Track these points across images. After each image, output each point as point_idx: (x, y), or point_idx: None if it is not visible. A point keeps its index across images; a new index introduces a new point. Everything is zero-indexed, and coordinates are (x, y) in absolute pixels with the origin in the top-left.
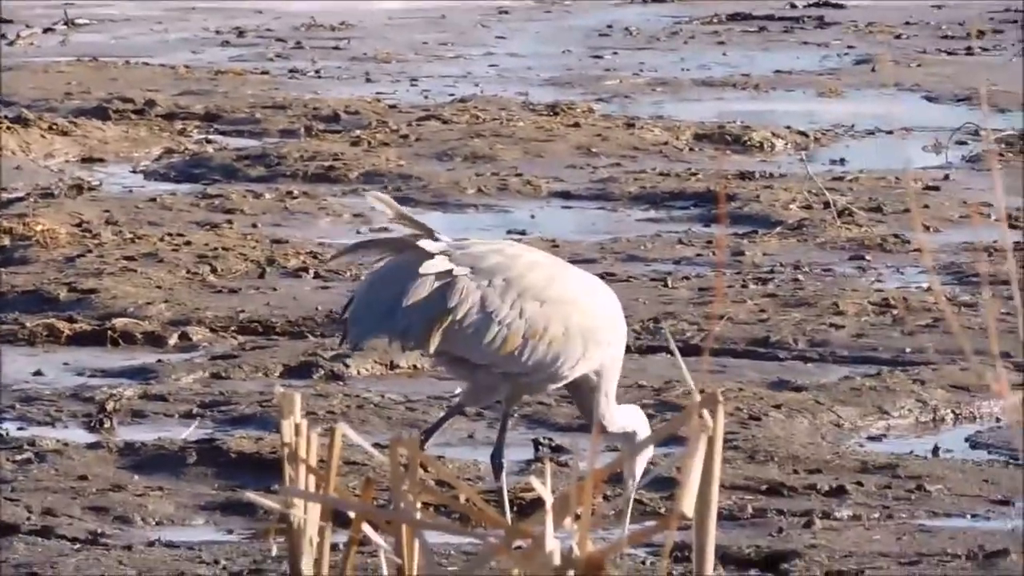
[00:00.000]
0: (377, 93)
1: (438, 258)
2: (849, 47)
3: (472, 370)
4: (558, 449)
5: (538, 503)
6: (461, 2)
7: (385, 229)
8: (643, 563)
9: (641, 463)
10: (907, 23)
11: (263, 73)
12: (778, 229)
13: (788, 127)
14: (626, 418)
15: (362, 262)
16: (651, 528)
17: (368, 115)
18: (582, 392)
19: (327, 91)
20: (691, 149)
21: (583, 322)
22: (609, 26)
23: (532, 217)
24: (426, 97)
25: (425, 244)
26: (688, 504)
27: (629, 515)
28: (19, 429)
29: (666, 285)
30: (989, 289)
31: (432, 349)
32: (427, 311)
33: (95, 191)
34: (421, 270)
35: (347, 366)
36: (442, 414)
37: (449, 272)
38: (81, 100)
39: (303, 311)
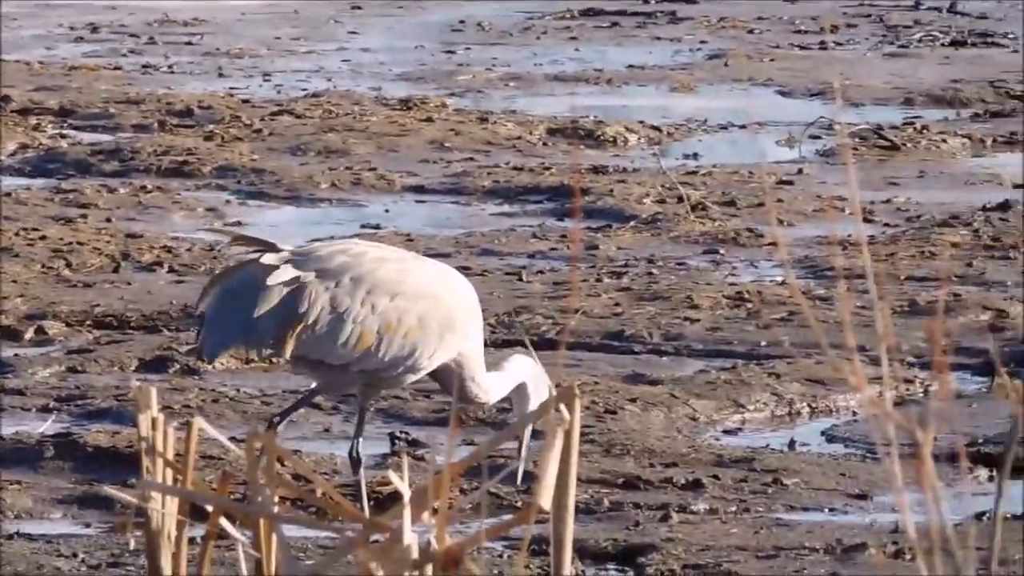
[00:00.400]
0: (230, 88)
1: (283, 267)
2: (702, 42)
3: (330, 370)
4: (415, 443)
5: (395, 497)
6: None
7: (239, 223)
8: (501, 557)
9: (535, 403)
10: (760, 18)
11: (116, 69)
12: (632, 223)
13: (641, 122)
14: (505, 380)
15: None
16: (509, 522)
17: (221, 110)
18: (447, 379)
19: (180, 86)
20: (544, 144)
21: (438, 311)
22: (462, 21)
23: (386, 211)
24: (279, 92)
25: (267, 259)
26: (545, 498)
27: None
28: None
29: (520, 279)
30: (844, 283)
31: (288, 354)
32: (279, 319)
33: None
34: (268, 281)
35: (204, 361)
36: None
37: (296, 279)
38: None
39: (158, 305)
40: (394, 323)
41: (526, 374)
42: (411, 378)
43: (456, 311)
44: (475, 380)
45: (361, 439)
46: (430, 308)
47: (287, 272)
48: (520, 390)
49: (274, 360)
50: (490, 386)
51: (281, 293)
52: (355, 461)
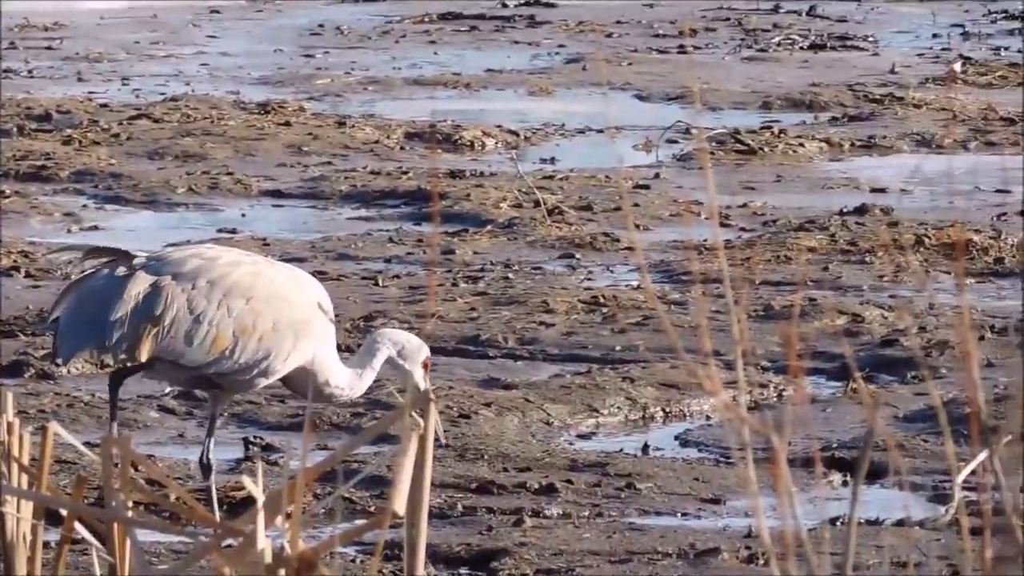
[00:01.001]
0: (89, 92)
1: (138, 273)
2: (560, 46)
3: (183, 372)
4: (269, 448)
5: (250, 502)
6: (173, 2)
7: (96, 227)
8: (354, 561)
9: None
10: (619, 22)
11: None
12: (488, 227)
13: (499, 126)
14: (365, 371)
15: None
16: (363, 526)
17: (80, 114)
18: (301, 382)
19: (39, 91)
20: (402, 148)
21: (292, 315)
22: (321, 25)
23: (243, 216)
24: (137, 96)
25: (121, 269)
26: (400, 502)
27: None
28: None
29: (377, 284)
30: (700, 287)
31: (144, 357)
32: (134, 322)
33: None
34: (123, 285)
35: (58, 365)
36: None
37: (152, 282)
38: None
39: (14, 310)
40: (249, 326)
41: (387, 350)
42: (264, 382)
43: (310, 318)
44: (330, 383)
45: (212, 444)
46: (284, 312)
47: (141, 277)
48: (392, 364)
49: (127, 366)
50: (348, 383)
51: (136, 297)
52: (206, 467)
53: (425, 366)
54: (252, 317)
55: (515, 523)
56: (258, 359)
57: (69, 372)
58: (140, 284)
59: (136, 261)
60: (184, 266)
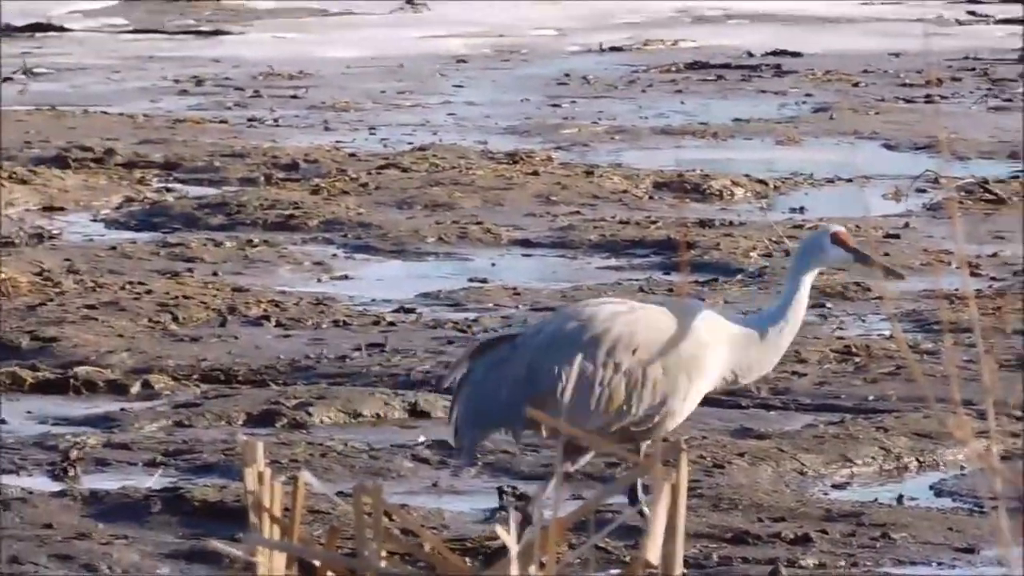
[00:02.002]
0: (336, 141)
1: (519, 350)
2: (807, 95)
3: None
4: (522, 497)
5: (504, 552)
6: (419, 52)
7: (346, 276)
8: None
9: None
10: (865, 71)
11: (222, 122)
12: (739, 277)
13: (747, 175)
14: (785, 317)
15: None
16: None
17: (327, 163)
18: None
19: (286, 139)
20: (650, 197)
21: (680, 356)
22: (567, 75)
23: (492, 265)
24: (385, 145)
25: (503, 349)
26: (653, 552)
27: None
28: None
29: None
30: (950, 336)
31: (547, 431)
32: (525, 398)
33: (55, 240)
34: (512, 364)
35: (310, 414)
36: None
37: (532, 358)
38: (40, 149)
39: (265, 359)
40: (639, 378)
41: (806, 278)
42: (674, 424)
43: (695, 350)
44: (754, 372)
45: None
46: (671, 355)
47: (522, 353)
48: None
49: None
50: (774, 348)
51: (521, 375)
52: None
53: (842, 242)
54: (641, 368)
55: (771, 574)
56: (656, 407)
57: (322, 422)
58: (524, 360)
59: (516, 336)
60: (562, 332)
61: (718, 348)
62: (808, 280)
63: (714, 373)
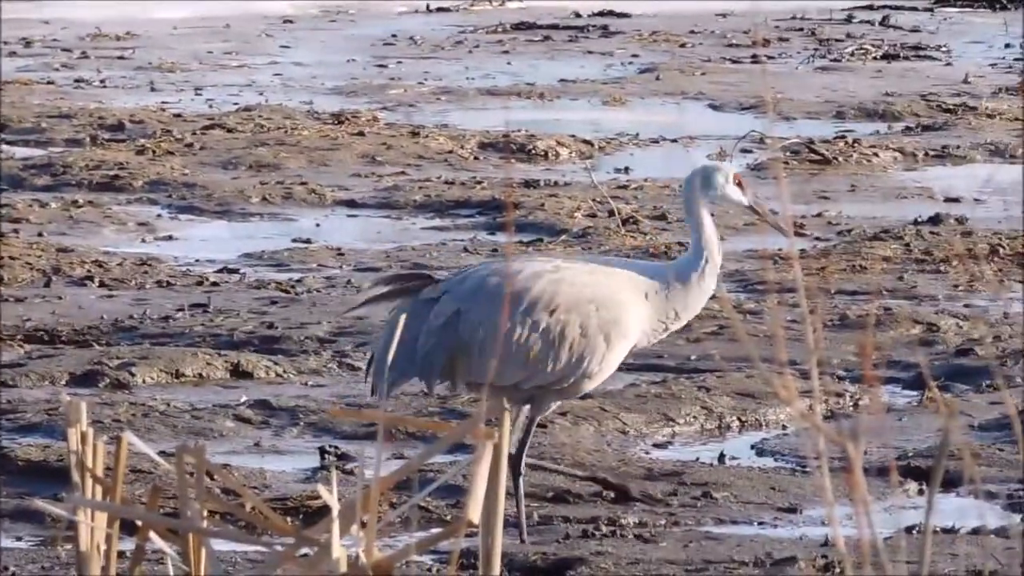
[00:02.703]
0: (162, 102)
1: (443, 298)
2: (634, 56)
3: (502, 391)
4: (344, 457)
5: (325, 511)
6: (246, 12)
7: (170, 237)
8: (430, 570)
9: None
10: (692, 32)
11: (49, 83)
12: (563, 237)
13: (573, 136)
14: (701, 255)
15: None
16: (438, 535)
17: (153, 124)
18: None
19: (112, 100)
20: (476, 158)
21: (601, 318)
22: (394, 35)
23: (317, 226)
24: (211, 106)
25: (426, 292)
26: (475, 511)
27: None
28: None
29: None
30: (775, 296)
31: (460, 384)
32: (444, 348)
33: None
34: (432, 315)
35: (133, 375)
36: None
37: (456, 309)
38: None
39: (88, 320)
40: (556, 338)
41: (704, 210)
42: (590, 385)
43: (616, 313)
44: (676, 321)
45: (527, 449)
46: (591, 316)
47: (446, 302)
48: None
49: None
50: (696, 293)
51: (442, 323)
52: (515, 470)
53: (739, 184)
54: (558, 328)
55: (591, 532)
56: (572, 367)
57: (144, 382)
58: (446, 310)
59: (437, 287)
60: (485, 286)
61: (638, 307)
62: (707, 214)
63: (635, 332)
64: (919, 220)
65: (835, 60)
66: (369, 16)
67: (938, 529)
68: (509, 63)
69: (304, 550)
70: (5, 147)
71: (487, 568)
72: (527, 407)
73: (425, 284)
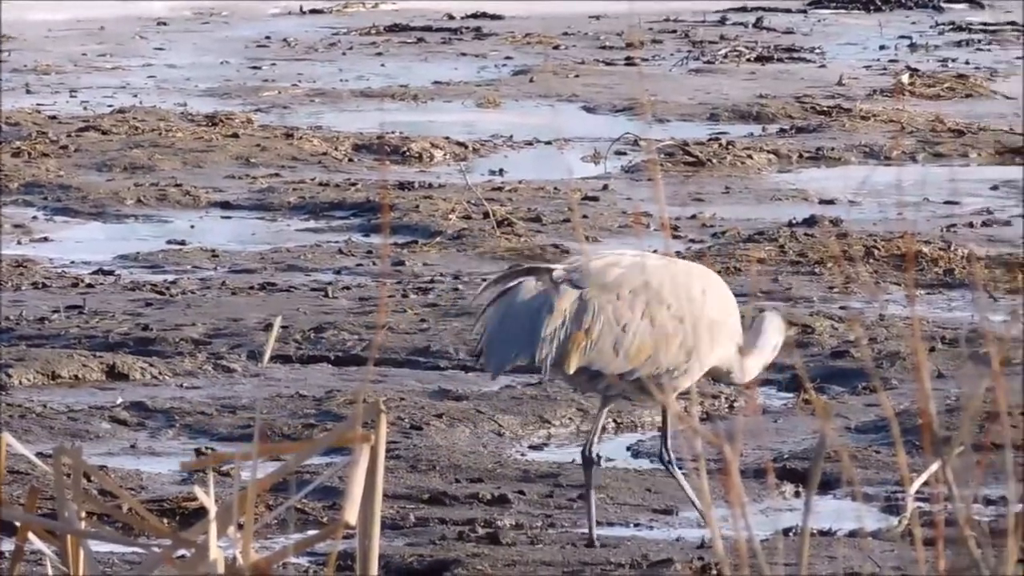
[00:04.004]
0: (37, 104)
1: (563, 286)
2: (507, 58)
3: (604, 380)
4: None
5: (202, 512)
6: (120, 14)
7: (46, 239)
8: (307, 572)
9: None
10: (565, 34)
11: None
12: (438, 239)
13: (447, 138)
14: (756, 359)
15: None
16: (315, 536)
17: (28, 126)
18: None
19: None
20: (350, 160)
21: (709, 318)
22: (267, 37)
23: (192, 227)
24: (85, 108)
25: (545, 281)
26: (351, 513)
27: None
28: None
29: (327, 295)
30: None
31: (572, 369)
32: (564, 334)
33: None
34: (553, 300)
35: (8, 376)
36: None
37: (579, 295)
38: None
39: None
40: (670, 333)
41: (777, 338)
42: (683, 384)
43: (722, 316)
44: (733, 373)
45: (597, 440)
46: (702, 316)
47: (567, 290)
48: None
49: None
50: (750, 372)
51: (565, 311)
52: (588, 460)
53: None
54: (673, 324)
55: (467, 534)
56: (678, 363)
57: (20, 383)
58: (568, 298)
59: (556, 274)
60: (606, 277)
61: (735, 324)
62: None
63: (729, 346)
64: (794, 222)
65: (709, 62)
66: (242, 18)
67: (815, 531)
68: (383, 65)
69: (181, 552)
70: None
71: (364, 569)
72: (603, 400)
73: (545, 273)
